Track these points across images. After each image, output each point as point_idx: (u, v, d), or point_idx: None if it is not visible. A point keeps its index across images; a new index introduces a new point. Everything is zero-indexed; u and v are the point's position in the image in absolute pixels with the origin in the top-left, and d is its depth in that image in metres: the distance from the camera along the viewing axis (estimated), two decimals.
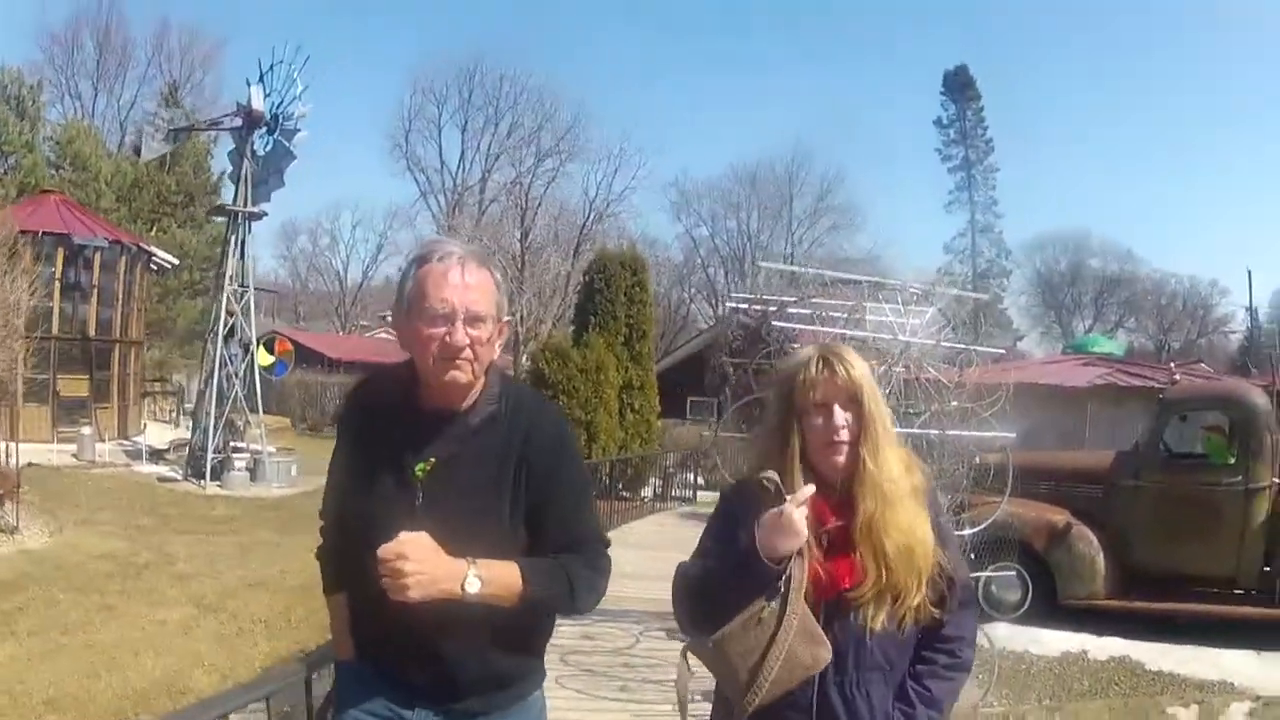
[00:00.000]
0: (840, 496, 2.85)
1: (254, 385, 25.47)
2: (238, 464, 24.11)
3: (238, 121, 25.62)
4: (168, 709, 9.11)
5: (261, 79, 25.16)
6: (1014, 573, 11.13)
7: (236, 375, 24.94)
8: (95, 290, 29.74)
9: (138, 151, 39.52)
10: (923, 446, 7.97)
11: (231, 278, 25.19)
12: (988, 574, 9.31)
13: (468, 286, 2.82)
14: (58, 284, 28.35)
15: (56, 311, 28.50)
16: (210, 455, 23.90)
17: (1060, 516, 12.08)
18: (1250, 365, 31.42)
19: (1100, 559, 11.83)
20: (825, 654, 2.73)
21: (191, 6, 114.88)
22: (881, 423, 2.87)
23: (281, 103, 25.11)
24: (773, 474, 2.78)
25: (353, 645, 3.12)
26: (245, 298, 25.38)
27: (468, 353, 2.80)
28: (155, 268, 34.21)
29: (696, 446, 26.16)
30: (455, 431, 2.91)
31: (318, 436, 36.17)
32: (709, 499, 22.15)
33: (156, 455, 27.33)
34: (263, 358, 26.86)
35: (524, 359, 36.65)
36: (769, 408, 3.10)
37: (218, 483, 23.52)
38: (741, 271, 69.28)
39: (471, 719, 2.99)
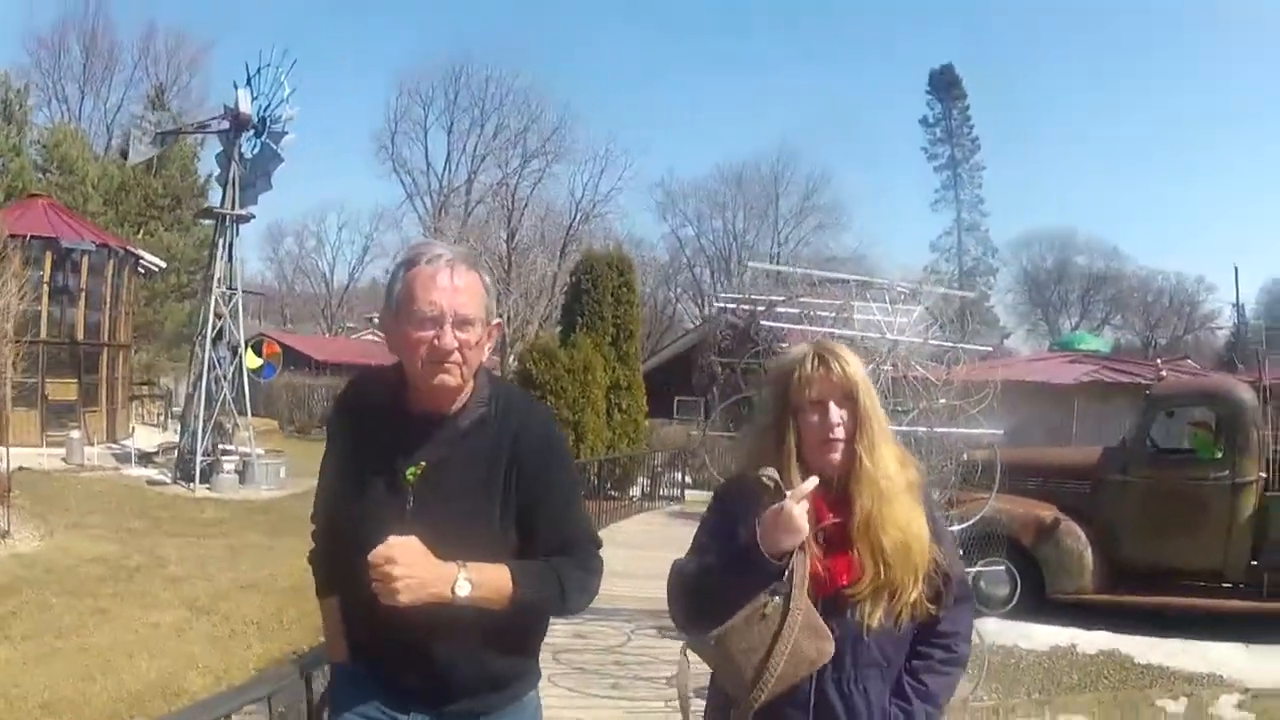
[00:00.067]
0: (836, 494, 2.86)
1: (242, 388, 25.41)
2: (227, 466, 24.04)
3: (225, 124, 25.56)
4: (163, 711, 9.13)
5: (249, 82, 25.13)
6: (1003, 568, 11.23)
7: (225, 378, 24.86)
8: (83, 294, 29.69)
9: (125, 155, 39.51)
10: (911, 444, 7.99)
11: (220, 280, 25.12)
12: (976, 569, 9.36)
13: (456, 289, 2.81)
14: (46, 288, 28.28)
15: (45, 315, 28.48)
16: (199, 458, 23.83)
17: (1048, 512, 12.17)
18: (1237, 361, 31.45)
19: (1088, 554, 11.92)
20: (829, 647, 2.74)
21: (177, 10, 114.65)
22: (877, 419, 2.88)
23: (269, 105, 25.09)
24: (772, 471, 2.79)
25: (346, 648, 3.11)
26: (233, 300, 25.32)
27: (456, 356, 2.79)
28: (142, 271, 34.13)
29: (684, 446, 26.22)
30: (445, 435, 2.90)
31: (305, 439, 36.10)
32: (697, 498, 22.24)
33: (145, 458, 27.27)
34: (251, 360, 26.80)
35: (511, 360, 36.60)
36: (763, 405, 3.11)
37: (207, 485, 23.46)
38: (728, 271, 69.32)
39: None
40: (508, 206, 53.35)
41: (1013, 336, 75.70)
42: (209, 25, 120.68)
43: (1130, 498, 12.16)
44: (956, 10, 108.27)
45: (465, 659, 2.89)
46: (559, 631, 8.92)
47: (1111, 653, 10.69)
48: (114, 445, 29.20)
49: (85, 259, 29.33)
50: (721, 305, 13.27)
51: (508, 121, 70.48)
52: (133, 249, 32.93)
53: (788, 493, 2.72)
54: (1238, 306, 49.93)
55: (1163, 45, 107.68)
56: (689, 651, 2.97)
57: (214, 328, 24.84)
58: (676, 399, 35.89)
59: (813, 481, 2.73)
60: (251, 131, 25.20)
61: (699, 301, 72.14)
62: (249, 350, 26.86)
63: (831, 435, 2.83)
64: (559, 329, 26.62)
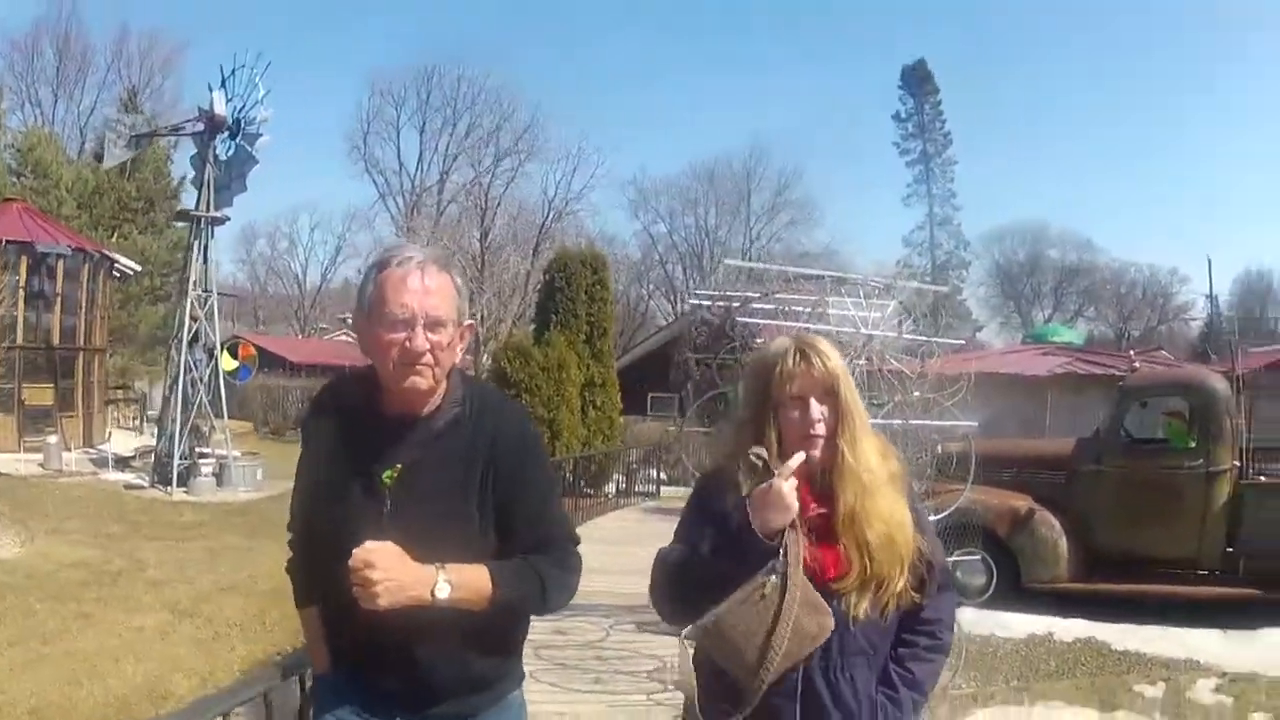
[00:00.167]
0: (820, 488, 2.88)
1: (218, 390, 25.30)
2: (204, 470, 23.94)
3: (200, 127, 25.43)
4: (150, 714, 9.16)
5: (223, 84, 24.99)
6: (979, 558, 11.33)
7: (201, 380, 24.77)
8: (59, 298, 29.51)
9: (98, 158, 39.25)
10: (886, 437, 8.08)
11: (195, 283, 25.03)
12: (953, 560, 9.45)
13: (427, 291, 2.82)
14: (22, 293, 28.18)
15: (21, 320, 28.35)
16: (176, 461, 23.78)
17: (1023, 502, 12.25)
18: (1210, 352, 31.71)
19: (1063, 543, 12.01)
20: (829, 621, 2.76)
21: (150, 12, 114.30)
22: (858, 412, 2.91)
23: (243, 107, 24.98)
24: (761, 450, 2.82)
25: (328, 657, 3.11)
26: (209, 303, 25.24)
27: (428, 358, 2.80)
28: (117, 275, 33.93)
29: (659, 442, 26.23)
30: (418, 437, 2.90)
31: (280, 440, 36.01)
32: (672, 494, 22.23)
33: (122, 463, 27.14)
34: (226, 363, 26.68)
35: (486, 358, 36.56)
36: (742, 400, 3.14)
37: (184, 489, 23.34)
38: (700, 268, 69.54)
39: None
40: (480, 205, 53.30)
41: (986, 329, 75.98)
42: (182, 27, 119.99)
43: (1105, 487, 12.26)
44: (956, 10, 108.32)
45: (446, 661, 2.90)
46: (539, 628, 8.90)
47: (1089, 640, 10.76)
48: (91, 450, 29.03)
49: (61, 263, 29.16)
50: (697, 302, 13.32)
51: (480, 120, 70.61)
52: (107, 253, 32.73)
53: (775, 471, 2.75)
54: (1211, 298, 50.49)
55: (1162, 45, 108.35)
56: (684, 641, 2.96)
57: (190, 330, 24.75)
58: (650, 395, 35.83)
59: (799, 457, 2.76)
60: (226, 133, 25.10)
61: (671, 298, 72.45)
62: (224, 352, 26.76)
63: (813, 431, 2.85)
64: (533, 327, 26.52)
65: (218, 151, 25.16)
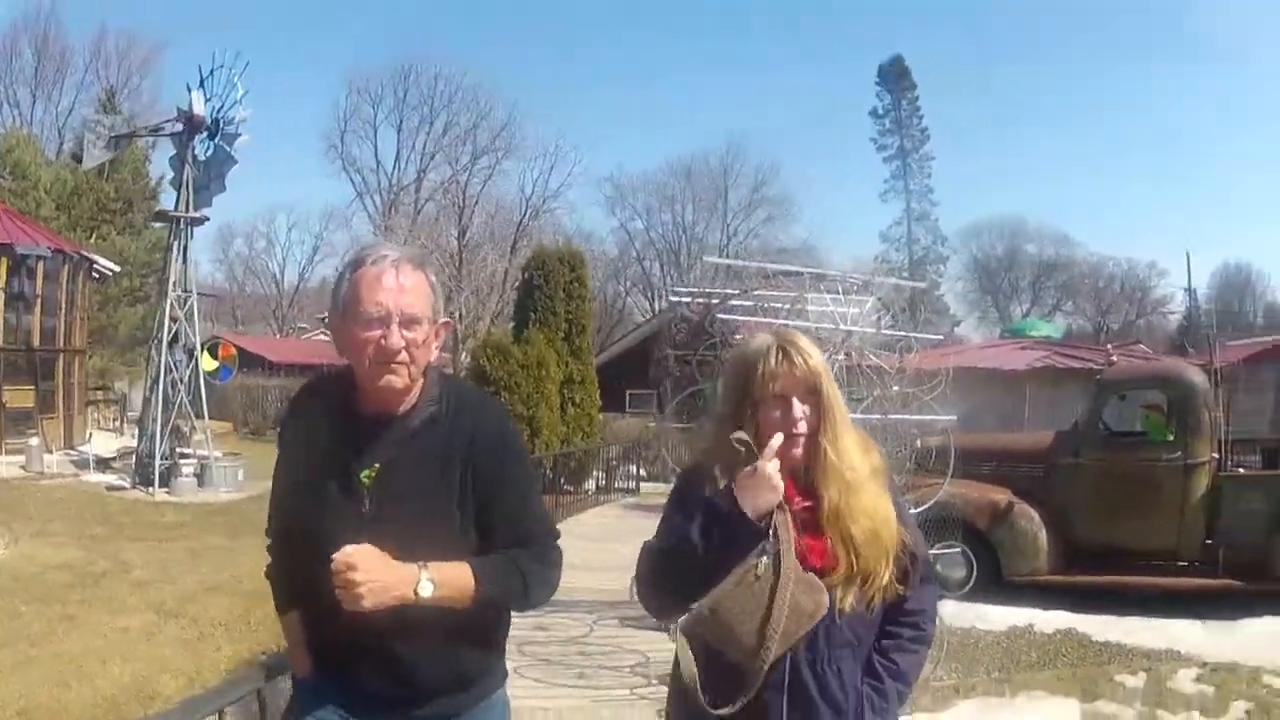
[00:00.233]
0: (803, 484, 2.90)
1: (199, 391, 25.23)
2: (185, 470, 23.84)
3: (179, 127, 25.32)
4: (139, 714, 9.16)
5: (202, 84, 24.85)
6: (958, 551, 11.39)
7: (181, 381, 24.70)
8: (39, 300, 29.31)
9: (77, 159, 39.16)
10: (866, 432, 8.14)
11: (175, 284, 24.94)
12: (933, 553, 9.50)
13: (402, 289, 2.81)
14: (2, 294, 28.07)
15: (1, 322, 28.26)
16: (158, 462, 23.71)
17: (1002, 496, 12.32)
18: (1188, 345, 31.84)
19: (1042, 535, 12.09)
20: (825, 598, 2.79)
21: (129, 12, 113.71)
22: (839, 409, 2.93)
23: (222, 107, 24.83)
24: (743, 434, 2.85)
25: (310, 662, 3.11)
26: (189, 303, 25.17)
27: (403, 356, 2.80)
28: (96, 276, 33.79)
29: (638, 439, 26.30)
30: (394, 435, 2.90)
31: (260, 440, 35.83)
32: (652, 490, 22.30)
33: (104, 464, 27.05)
34: (206, 363, 26.59)
35: (464, 356, 36.56)
36: (721, 396, 3.16)
37: (166, 489, 23.24)
38: (677, 264, 69.65)
39: None
40: (458, 204, 53.17)
41: (964, 324, 76.37)
42: (160, 27, 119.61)
43: (1084, 480, 12.34)
44: (957, 10, 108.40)
45: (430, 659, 2.91)
46: (521, 624, 8.95)
47: (1069, 631, 10.82)
48: (72, 452, 28.93)
49: (40, 265, 28.97)
50: (677, 299, 13.38)
51: (457, 119, 70.94)
52: (87, 254, 32.59)
53: (759, 453, 2.78)
54: (1189, 291, 50.81)
55: (1162, 45, 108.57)
56: (681, 632, 2.95)
57: (170, 331, 24.69)
58: (629, 392, 35.95)
59: (779, 438, 2.79)
60: (205, 134, 24.99)
61: (649, 295, 72.52)
62: (205, 353, 26.69)
63: (794, 430, 2.86)
64: (511, 325, 26.58)
65: (196, 152, 25.02)
